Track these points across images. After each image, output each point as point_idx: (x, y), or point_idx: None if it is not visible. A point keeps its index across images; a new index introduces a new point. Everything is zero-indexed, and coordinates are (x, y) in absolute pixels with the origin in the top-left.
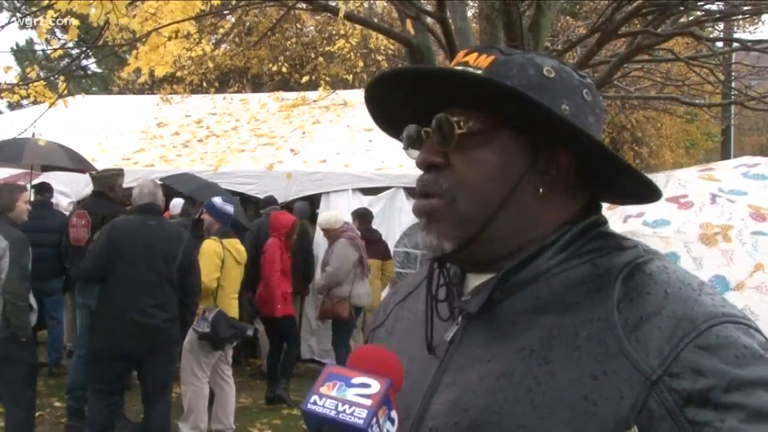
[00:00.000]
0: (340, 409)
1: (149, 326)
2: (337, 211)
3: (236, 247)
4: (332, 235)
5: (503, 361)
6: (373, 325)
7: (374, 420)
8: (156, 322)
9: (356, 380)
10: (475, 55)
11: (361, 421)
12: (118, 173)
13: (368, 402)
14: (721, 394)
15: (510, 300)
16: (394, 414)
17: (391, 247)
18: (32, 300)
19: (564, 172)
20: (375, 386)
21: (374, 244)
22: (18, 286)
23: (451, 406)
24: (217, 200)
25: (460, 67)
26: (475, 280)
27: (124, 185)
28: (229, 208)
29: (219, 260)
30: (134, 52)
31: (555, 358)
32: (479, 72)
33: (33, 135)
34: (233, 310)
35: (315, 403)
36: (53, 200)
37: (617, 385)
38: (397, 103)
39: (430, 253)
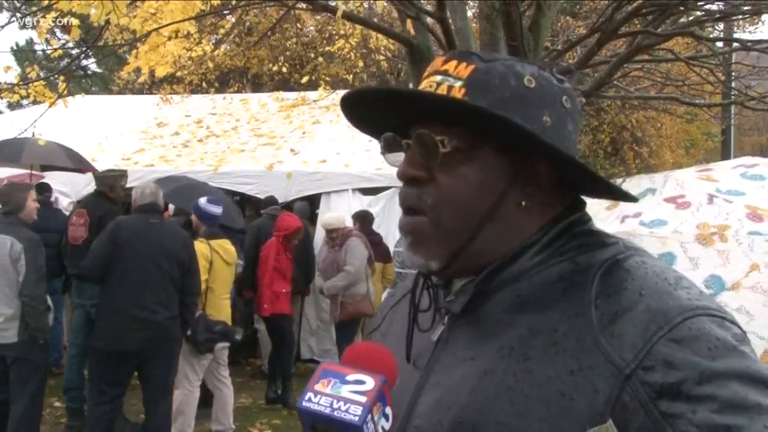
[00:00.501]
0: (335, 406)
1: (152, 323)
2: (337, 211)
3: (225, 247)
4: (342, 234)
5: (485, 359)
6: (371, 327)
7: (369, 417)
8: (159, 318)
9: (351, 377)
10: (454, 63)
11: (356, 418)
12: (121, 174)
13: (363, 399)
14: (693, 386)
15: (493, 299)
16: (388, 410)
17: (391, 248)
18: (49, 300)
19: (544, 182)
20: (369, 383)
21: (375, 247)
22: (35, 288)
23: (436, 405)
24: (201, 201)
25: (439, 77)
26: (460, 282)
27: (126, 185)
28: (213, 209)
29: (206, 262)
30: (134, 51)
31: (534, 356)
32: (459, 83)
33: (33, 135)
34: (224, 311)
35: (310, 400)
36: (52, 200)
37: (592, 379)
38: (375, 111)
39: (419, 270)
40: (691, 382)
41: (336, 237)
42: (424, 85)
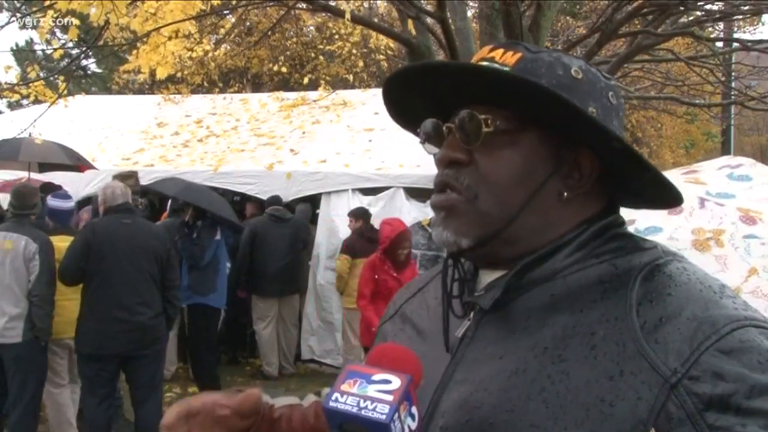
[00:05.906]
0: (362, 405)
1: (136, 324)
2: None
3: (59, 246)
4: None
5: (516, 358)
6: (383, 318)
7: (396, 415)
8: (142, 319)
9: (377, 377)
10: (501, 51)
11: (384, 416)
12: (129, 175)
13: (390, 398)
14: (743, 400)
15: (524, 297)
16: (414, 410)
17: None
18: None
19: (587, 176)
20: (396, 382)
21: (375, 243)
22: (45, 290)
23: (463, 404)
24: (48, 197)
25: (486, 63)
26: (488, 277)
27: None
28: (55, 203)
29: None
30: (135, 51)
31: (570, 357)
32: (506, 69)
33: (30, 135)
34: (68, 313)
35: (336, 400)
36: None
37: (635, 386)
38: (414, 95)
39: (446, 249)
40: (741, 395)
41: None
42: None
